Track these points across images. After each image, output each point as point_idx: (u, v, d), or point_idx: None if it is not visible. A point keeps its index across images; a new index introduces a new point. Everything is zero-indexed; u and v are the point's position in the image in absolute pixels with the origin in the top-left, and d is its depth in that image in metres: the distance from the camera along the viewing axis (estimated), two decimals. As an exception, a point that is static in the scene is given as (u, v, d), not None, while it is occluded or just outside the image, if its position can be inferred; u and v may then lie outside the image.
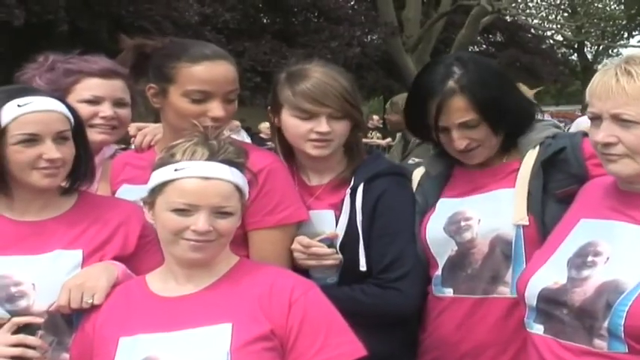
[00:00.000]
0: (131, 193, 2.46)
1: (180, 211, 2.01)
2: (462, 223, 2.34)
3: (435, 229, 2.39)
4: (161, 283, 2.12)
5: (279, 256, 2.39)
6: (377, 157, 2.64)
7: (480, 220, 2.33)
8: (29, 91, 2.29)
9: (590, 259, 1.99)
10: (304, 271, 2.39)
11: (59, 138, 2.22)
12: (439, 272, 2.38)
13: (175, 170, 2.03)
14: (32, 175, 2.20)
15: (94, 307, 2.11)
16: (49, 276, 2.16)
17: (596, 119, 1.98)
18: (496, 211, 2.31)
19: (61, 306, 2.12)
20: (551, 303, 1.99)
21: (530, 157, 2.32)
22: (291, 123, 2.46)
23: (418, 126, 2.47)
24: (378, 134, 14.96)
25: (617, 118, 1.93)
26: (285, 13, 20.41)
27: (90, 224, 2.27)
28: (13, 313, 2.14)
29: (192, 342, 1.97)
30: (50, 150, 2.19)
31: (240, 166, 2.10)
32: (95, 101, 2.69)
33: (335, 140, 2.45)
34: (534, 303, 2.03)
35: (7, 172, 2.20)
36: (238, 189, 2.07)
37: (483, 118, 2.31)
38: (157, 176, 2.08)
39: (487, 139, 2.35)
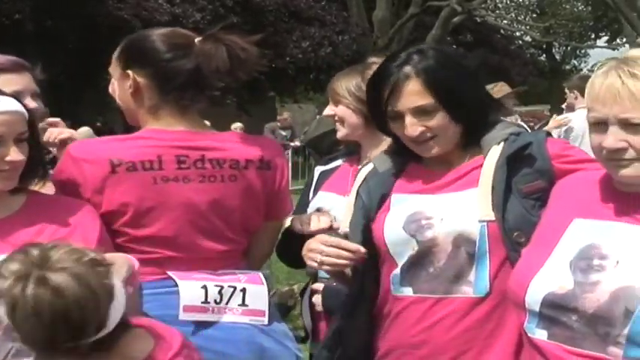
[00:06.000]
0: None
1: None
2: (423, 222, 2.29)
3: (393, 229, 2.33)
4: None
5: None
6: None
7: (442, 219, 2.28)
8: None
9: (596, 262, 1.90)
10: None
11: (19, 140, 2.17)
12: (397, 271, 2.31)
13: None
14: None
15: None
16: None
17: (600, 124, 1.91)
18: (459, 209, 2.27)
19: None
20: (557, 309, 1.91)
21: (494, 153, 2.27)
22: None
23: (377, 115, 2.41)
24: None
25: (625, 123, 1.87)
26: (256, 13, 20.38)
27: (45, 224, 2.22)
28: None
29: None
30: (13, 152, 2.15)
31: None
32: (15, 96, 2.52)
33: None
34: (537, 308, 1.94)
35: None
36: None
37: (440, 104, 2.26)
38: None
39: (444, 129, 2.29)
